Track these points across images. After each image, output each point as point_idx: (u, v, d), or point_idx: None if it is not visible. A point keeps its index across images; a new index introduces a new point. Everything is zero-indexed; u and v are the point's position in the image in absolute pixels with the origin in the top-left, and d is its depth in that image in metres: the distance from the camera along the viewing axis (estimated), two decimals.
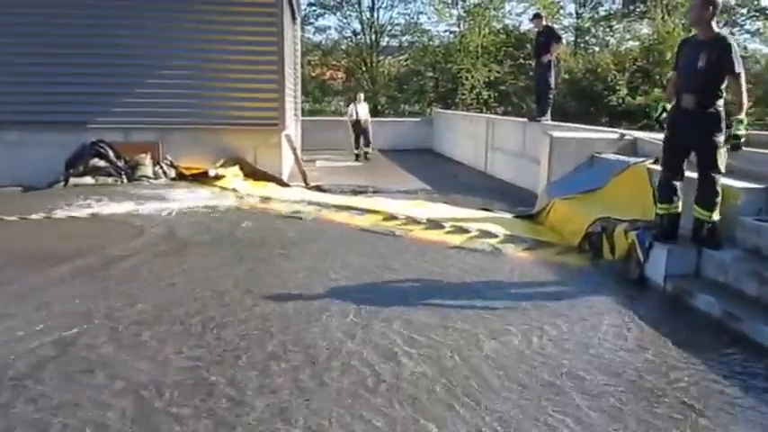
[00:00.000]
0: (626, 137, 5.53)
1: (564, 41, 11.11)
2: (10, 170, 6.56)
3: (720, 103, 3.36)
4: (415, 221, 5.02)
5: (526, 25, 18.28)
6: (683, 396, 2.24)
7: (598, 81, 16.30)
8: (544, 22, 7.68)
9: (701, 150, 3.41)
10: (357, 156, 10.54)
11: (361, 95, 11.29)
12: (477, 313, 2.99)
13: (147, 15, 6.88)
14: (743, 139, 3.30)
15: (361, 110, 10.67)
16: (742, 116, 3.30)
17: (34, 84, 6.71)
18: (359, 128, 10.60)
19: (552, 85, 7.54)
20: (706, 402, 2.20)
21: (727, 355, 2.58)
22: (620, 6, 20.08)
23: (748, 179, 3.69)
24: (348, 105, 11.65)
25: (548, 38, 7.42)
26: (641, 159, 4.70)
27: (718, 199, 3.38)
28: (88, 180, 6.62)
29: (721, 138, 3.35)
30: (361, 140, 10.62)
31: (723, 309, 2.95)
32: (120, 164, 6.88)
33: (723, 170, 3.37)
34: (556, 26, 12.02)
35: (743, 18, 18.29)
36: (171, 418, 2.00)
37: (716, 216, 3.39)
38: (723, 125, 3.36)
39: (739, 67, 3.29)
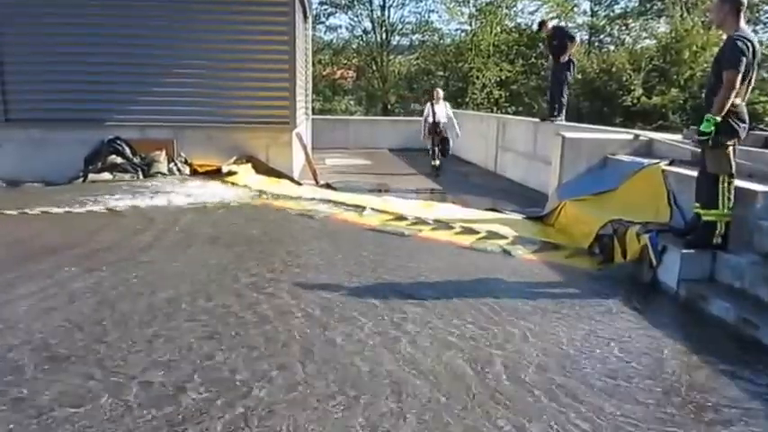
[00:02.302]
0: (640, 138, 5.46)
1: (578, 39, 10.98)
2: (33, 166, 6.78)
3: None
4: (425, 222, 5.03)
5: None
6: (695, 403, 2.22)
7: (612, 81, 16.05)
8: (550, 25, 7.65)
9: (702, 149, 3.44)
10: (434, 167, 8.49)
11: (440, 92, 8.76)
12: (485, 315, 2.99)
13: (162, 16, 7.00)
14: (706, 137, 3.23)
15: (440, 111, 8.46)
16: (710, 114, 3.20)
17: (56, 83, 6.90)
18: (435, 132, 8.47)
19: (567, 85, 7.48)
20: (719, 410, 2.18)
21: (741, 363, 2.55)
22: (636, 4, 19.77)
23: (767, 182, 3.63)
24: (424, 104, 9.26)
25: (561, 39, 7.36)
26: (656, 161, 4.64)
27: (722, 200, 3.31)
28: (106, 176, 6.78)
29: (722, 138, 3.28)
30: (437, 149, 8.47)
31: (738, 315, 2.92)
32: (137, 160, 7.02)
33: (715, 170, 3.30)
34: (570, 25, 11.90)
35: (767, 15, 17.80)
36: (177, 413, 2.04)
37: (712, 217, 3.34)
38: (726, 126, 3.27)
39: (735, 65, 3.13)
